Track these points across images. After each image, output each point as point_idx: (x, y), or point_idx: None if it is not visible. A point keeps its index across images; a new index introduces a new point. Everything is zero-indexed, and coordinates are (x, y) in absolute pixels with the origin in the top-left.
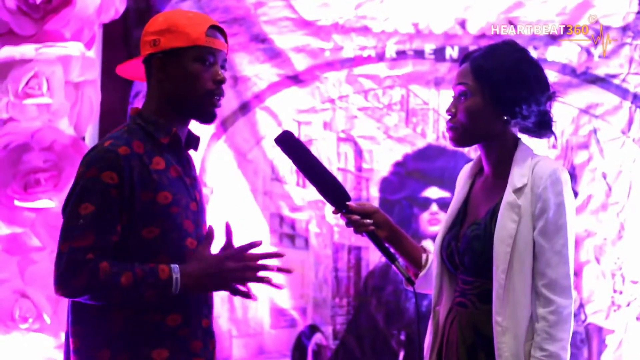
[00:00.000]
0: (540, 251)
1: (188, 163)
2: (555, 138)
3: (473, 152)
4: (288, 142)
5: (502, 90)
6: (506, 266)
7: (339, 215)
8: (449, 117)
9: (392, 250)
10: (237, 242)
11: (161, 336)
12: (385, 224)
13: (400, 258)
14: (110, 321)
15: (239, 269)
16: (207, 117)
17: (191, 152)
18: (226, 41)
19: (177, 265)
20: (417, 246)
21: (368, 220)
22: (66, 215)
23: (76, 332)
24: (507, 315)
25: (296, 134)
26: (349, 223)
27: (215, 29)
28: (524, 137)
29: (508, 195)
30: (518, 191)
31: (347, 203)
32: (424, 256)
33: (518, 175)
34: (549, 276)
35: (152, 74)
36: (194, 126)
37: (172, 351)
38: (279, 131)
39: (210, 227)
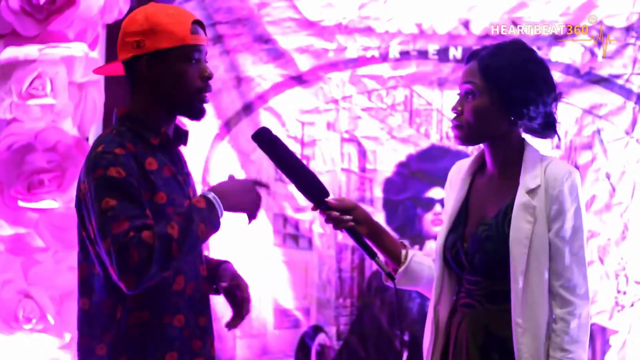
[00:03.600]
0: (557, 253)
1: (179, 160)
2: (559, 139)
3: (476, 152)
4: (265, 139)
5: (511, 91)
6: (524, 267)
7: (317, 211)
8: (455, 115)
9: (372, 246)
10: (240, 245)
11: (171, 339)
12: (365, 220)
13: (380, 254)
14: (127, 328)
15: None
16: (196, 114)
17: (194, 152)
18: (205, 32)
19: (205, 190)
20: (397, 242)
21: (347, 217)
22: (94, 219)
23: (93, 339)
24: (527, 316)
25: (300, 135)
26: (328, 219)
27: (196, 24)
28: (527, 137)
29: (521, 196)
30: (531, 192)
31: (326, 199)
32: (403, 252)
33: (530, 177)
34: (567, 277)
35: (137, 76)
36: (195, 127)
37: (179, 353)
38: (282, 133)
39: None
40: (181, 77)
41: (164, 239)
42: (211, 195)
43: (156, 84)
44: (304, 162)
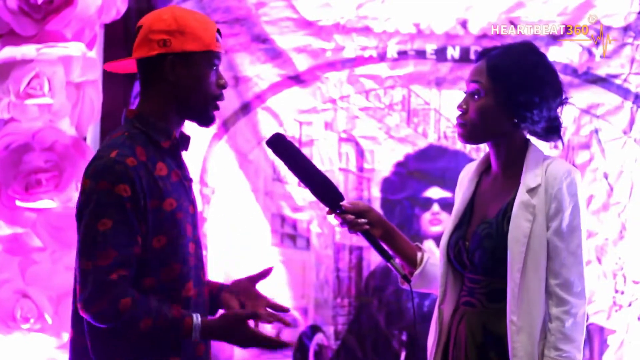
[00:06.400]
0: (554, 251)
1: (183, 165)
2: (563, 143)
3: (475, 152)
4: (280, 145)
5: (516, 94)
6: (521, 265)
7: (333, 215)
8: (460, 112)
9: (387, 248)
10: (238, 245)
11: (173, 344)
12: (380, 222)
13: (395, 256)
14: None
15: (253, 339)
16: (207, 121)
17: (191, 152)
18: None
19: (199, 323)
20: (412, 245)
21: (362, 220)
22: (83, 231)
23: (92, 344)
24: (522, 315)
25: (297, 135)
26: (344, 223)
27: (217, 32)
28: (532, 138)
29: (522, 195)
30: (532, 191)
31: (341, 203)
32: (419, 254)
33: (531, 175)
34: (564, 276)
35: (156, 74)
36: (193, 127)
37: (184, 358)
38: (278, 131)
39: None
40: (201, 81)
41: (132, 322)
42: (194, 335)
43: (176, 85)
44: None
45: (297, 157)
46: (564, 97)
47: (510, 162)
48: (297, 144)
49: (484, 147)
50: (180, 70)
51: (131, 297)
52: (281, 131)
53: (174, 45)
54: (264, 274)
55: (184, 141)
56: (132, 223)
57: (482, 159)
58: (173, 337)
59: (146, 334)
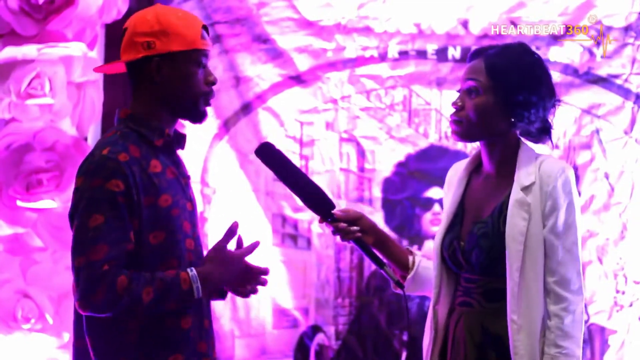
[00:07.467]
0: (551, 249)
1: (180, 163)
2: (552, 143)
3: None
4: (268, 154)
5: (515, 93)
6: (520, 264)
7: (324, 224)
8: (455, 110)
9: (379, 255)
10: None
11: (176, 341)
12: (372, 229)
13: (388, 262)
14: (126, 331)
15: (249, 272)
16: (199, 117)
17: (192, 152)
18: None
19: (195, 273)
20: (403, 249)
21: (354, 227)
22: (76, 229)
23: (92, 345)
24: (522, 313)
25: (298, 135)
26: (336, 231)
27: (204, 29)
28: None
29: (516, 193)
30: (526, 189)
31: (333, 211)
32: (410, 259)
33: (525, 174)
34: (561, 273)
35: (143, 76)
36: (194, 127)
37: (186, 355)
38: (280, 132)
39: (234, 223)
40: (188, 80)
41: (134, 298)
42: (196, 286)
43: (163, 85)
44: (305, 171)
45: (287, 166)
46: (556, 98)
47: (503, 161)
48: (297, 145)
49: None
50: (167, 72)
51: (124, 274)
52: (282, 131)
53: (158, 47)
54: (230, 233)
55: (180, 139)
56: (125, 219)
57: (471, 158)
58: (177, 297)
59: (151, 305)
